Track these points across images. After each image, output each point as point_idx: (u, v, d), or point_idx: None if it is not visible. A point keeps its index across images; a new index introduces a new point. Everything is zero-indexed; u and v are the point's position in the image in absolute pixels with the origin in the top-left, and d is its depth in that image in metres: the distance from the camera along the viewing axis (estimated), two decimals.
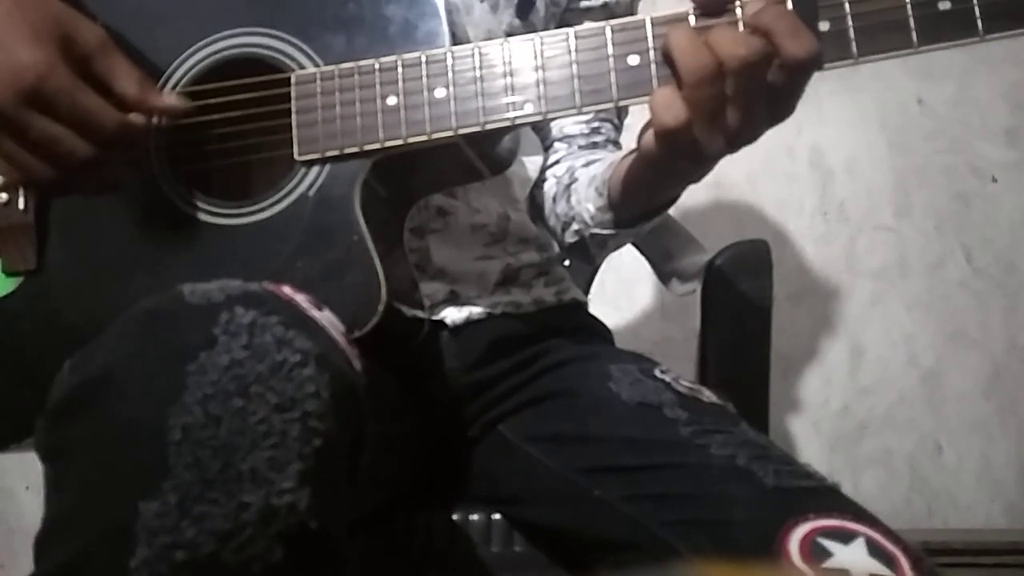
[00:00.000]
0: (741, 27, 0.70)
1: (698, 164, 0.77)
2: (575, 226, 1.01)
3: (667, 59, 0.70)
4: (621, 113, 1.14)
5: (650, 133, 0.73)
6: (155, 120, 0.77)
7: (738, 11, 0.70)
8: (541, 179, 1.11)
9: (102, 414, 0.53)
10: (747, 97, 0.68)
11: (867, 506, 0.71)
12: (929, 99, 1.91)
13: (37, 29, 0.67)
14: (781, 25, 0.67)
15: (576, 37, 0.73)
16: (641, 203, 0.91)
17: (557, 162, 1.10)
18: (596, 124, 1.11)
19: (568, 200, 1.03)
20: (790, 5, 0.69)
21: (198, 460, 0.50)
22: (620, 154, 0.93)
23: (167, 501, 0.49)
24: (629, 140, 0.87)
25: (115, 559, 0.49)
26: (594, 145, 1.10)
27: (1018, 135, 1.89)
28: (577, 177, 1.03)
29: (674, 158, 0.74)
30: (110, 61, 0.71)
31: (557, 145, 1.11)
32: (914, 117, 1.91)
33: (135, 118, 0.72)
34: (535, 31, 0.77)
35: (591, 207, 0.96)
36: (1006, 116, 1.89)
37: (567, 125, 1.11)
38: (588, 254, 1.04)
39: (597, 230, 0.97)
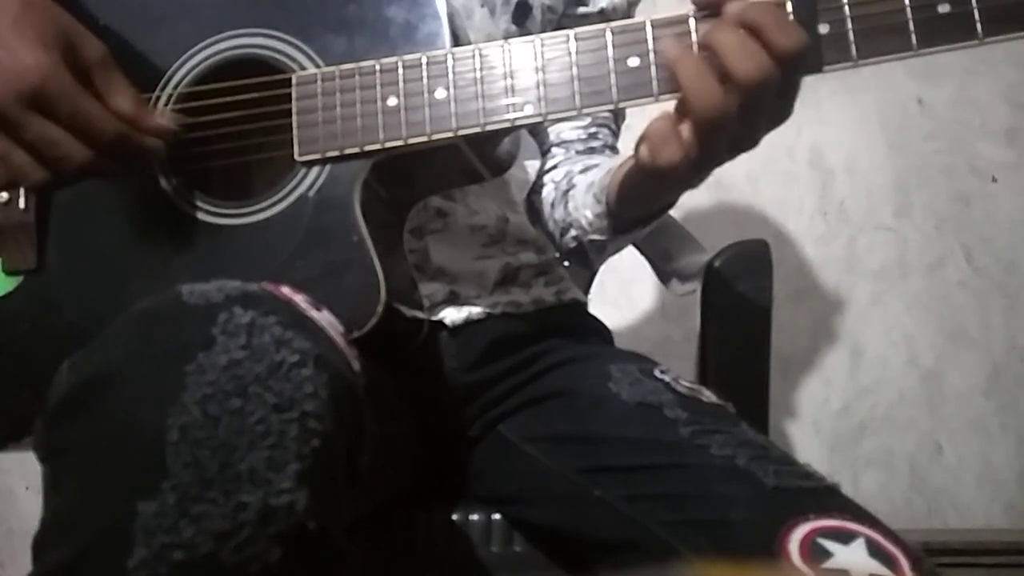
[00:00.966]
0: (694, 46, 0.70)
1: (696, 173, 0.77)
2: (573, 232, 1.01)
3: (673, 83, 0.70)
4: (618, 118, 1.14)
5: (645, 146, 0.73)
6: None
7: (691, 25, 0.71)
8: (539, 184, 1.11)
9: (101, 414, 0.53)
10: (751, 113, 0.69)
11: (867, 506, 0.71)
12: (929, 99, 1.91)
13: (43, 34, 0.68)
14: (769, 20, 0.67)
15: (576, 39, 0.74)
16: (638, 209, 0.91)
17: (555, 167, 1.10)
18: (593, 129, 1.11)
19: (566, 206, 1.03)
20: (790, 7, 0.69)
21: (196, 460, 0.50)
22: (618, 160, 0.93)
23: (165, 501, 0.49)
24: (629, 142, 0.87)
25: (113, 559, 0.49)
26: (591, 150, 1.10)
27: (1018, 135, 1.89)
28: (575, 183, 1.03)
29: (670, 172, 0.75)
30: (109, 76, 0.72)
31: (555, 150, 1.11)
32: (914, 117, 1.91)
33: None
34: None
35: (589, 214, 0.96)
36: (1006, 116, 1.89)
37: (564, 130, 1.11)
38: (587, 259, 1.04)
39: (595, 236, 0.98)
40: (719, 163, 0.73)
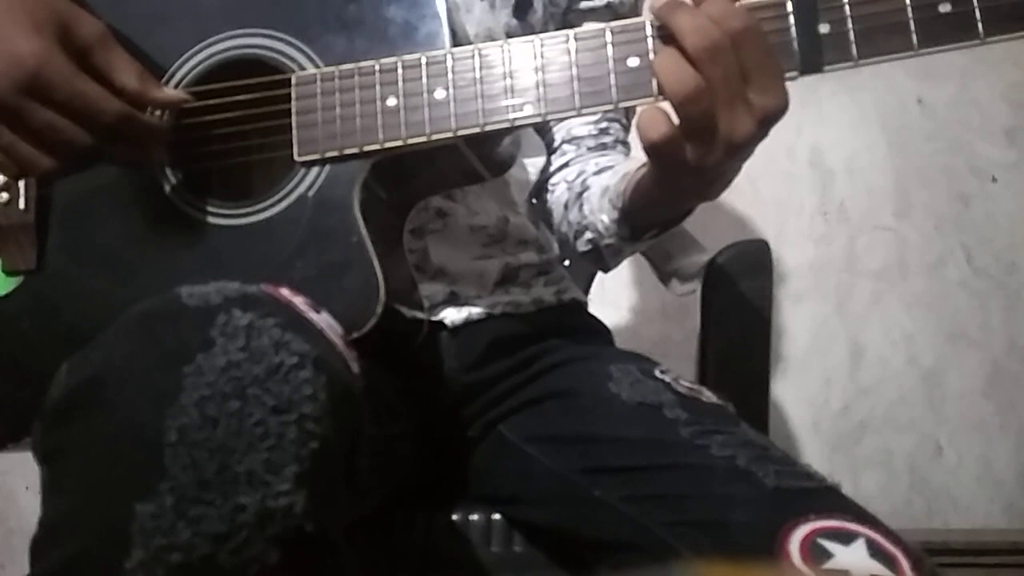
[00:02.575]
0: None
1: (703, 178, 0.76)
2: (588, 235, 1.00)
3: (670, 41, 0.70)
4: (629, 113, 1.13)
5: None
6: (157, 115, 0.76)
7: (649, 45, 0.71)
8: (551, 183, 1.10)
9: (99, 416, 0.53)
10: (759, 65, 0.68)
11: (867, 506, 0.71)
12: (929, 99, 1.91)
13: (36, 20, 0.67)
14: (715, 9, 0.67)
15: (576, 39, 0.73)
16: (654, 216, 0.91)
17: (566, 165, 1.09)
18: (604, 125, 1.10)
19: (580, 209, 1.02)
20: (790, 7, 0.69)
21: (194, 462, 0.50)
22: (633, 165, 0.92)
23: (163, 503, 0.49)
24: (637, 140, 0.87)
25: (111, 561, 0.49)
26: (603, 146, 1.10)
27: (1018, 135, 1.89)
28: (589, 185, 1.02)
29: (674, 174, 0.74)
30: (110, 54, 0.71)
31: (565, 147, 1.11)
32: (914, 117, 1.91)
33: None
34: (533, 32, 0.77)
35: (605, 218, 0.96)
36: (1006, 116, 1.89)
37: (575, 127, 1.10)
38: (602, 262, 1.03)
39: (611, 240, 0.97)
40: (721, 165, 0.72)
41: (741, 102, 0.68)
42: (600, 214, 0.97)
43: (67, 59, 0.68)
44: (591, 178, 1.04)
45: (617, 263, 1.06)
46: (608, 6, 1.07)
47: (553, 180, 1.11)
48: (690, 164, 0.71)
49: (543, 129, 1.13)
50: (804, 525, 0.67)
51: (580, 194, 1.03)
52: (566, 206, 1.06)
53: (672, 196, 0.84)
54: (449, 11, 0.77)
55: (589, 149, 1.10)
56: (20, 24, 0.67)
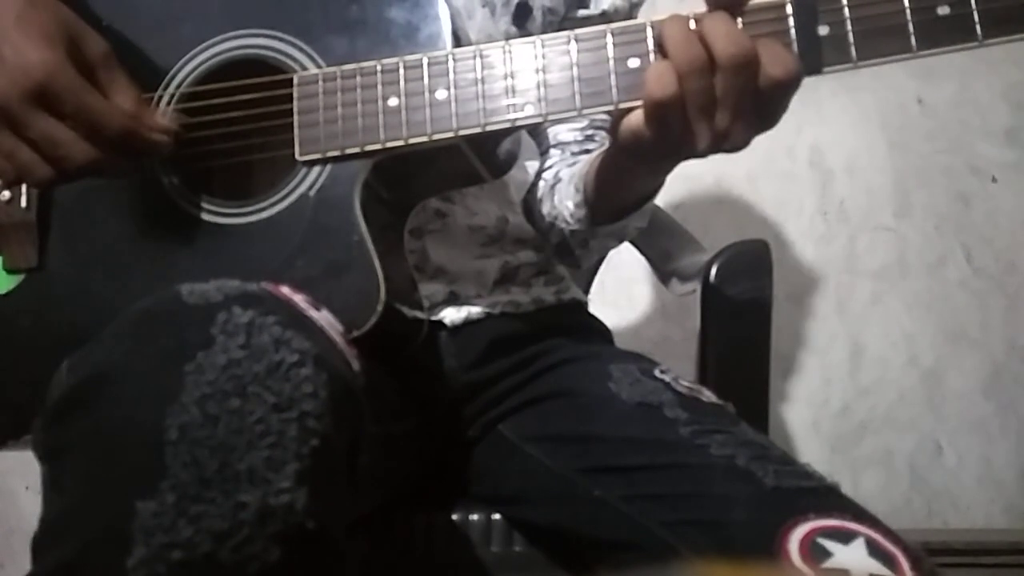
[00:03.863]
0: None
1: (676, 155, 0.75)
2: (558, 225, 1.01)
3: (660, 50, 0.70)
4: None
5: (633, 117, 0.72)
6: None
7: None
8: (533, 184, 1.11)
9: (99, 414, 0.53)
10: (736, 95, 0.67)
11: (867, 506, 0.71)
12: (929, 99, 1.91)
13: (47, 31, 0.68)
14: (764, 54, 0.67)
15: (577, 40, 0.73)
16: (613, 197, 0.91)
17: (550, 167, 1.10)
18: (590, 132, 1.10)
19: (552, 200, 1.02)
20: (790, 9, 0.69)
21: (195, 460, 0.50)
22: (598, 151, 0.92)
23: (164, 501, 0.49)
24: None
25: (112, 559, 0.49)
26: (587, 152, 1.10)
27: (1018, 135, 1.89)
28: (560, 178, 1.03)
29: (657, 141, 0.73)
30: (112, 73, 0.72)
31: (552, 151, 1.11)
32: (914, 117, 1.91)
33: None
34: None
35: (570, 204, 0.96)
36: (1006, 116, 1.89)
37: (561, 132, 1.11)
38: (573, 256, 1.03)
39: (576, 227, 0.97)
40: (702, 153, 0.72)
41: (744, 107, 0.68)
42: (566, 200, 0.97)
43: (75, 71, 0.68)
44: (563, 171, 1.04)
45: (587, 257, 1.06)
46: (603, 14, 1.07)
47: (536, 181, 1.11)
48: (683, 136, 0.70)
49: (535, 133, 1.13)
50: (803, 524, 0.67)
51: (552, 187, 1.04)
52: (541, 200, 1.06)
53: (634, 167, 0.84)
54: (452, 16, 0.77)
55: (573, 154, 1.10)
56: (31, 35, 0.67)
